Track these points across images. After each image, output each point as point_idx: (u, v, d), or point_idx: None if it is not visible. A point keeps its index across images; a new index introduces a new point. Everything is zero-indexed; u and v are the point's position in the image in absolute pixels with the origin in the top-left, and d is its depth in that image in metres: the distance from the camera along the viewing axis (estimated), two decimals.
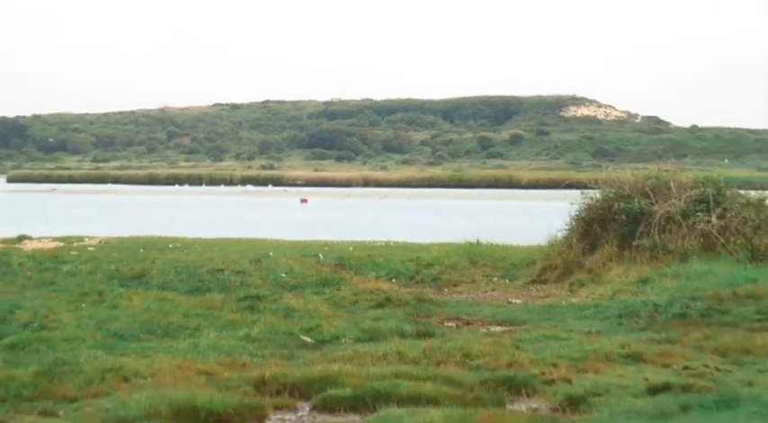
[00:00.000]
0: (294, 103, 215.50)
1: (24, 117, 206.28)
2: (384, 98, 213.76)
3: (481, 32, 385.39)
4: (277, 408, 12.26)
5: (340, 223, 47.80)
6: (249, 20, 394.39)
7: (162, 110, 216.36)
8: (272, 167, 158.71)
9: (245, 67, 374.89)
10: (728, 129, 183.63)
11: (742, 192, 26.99)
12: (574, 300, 22.43)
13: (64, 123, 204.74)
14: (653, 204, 25.86)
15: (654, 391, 12.64)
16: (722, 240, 24.92)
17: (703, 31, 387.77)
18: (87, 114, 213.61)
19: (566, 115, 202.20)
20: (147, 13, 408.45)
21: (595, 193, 27.27)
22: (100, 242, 33.25)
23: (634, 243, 25.33)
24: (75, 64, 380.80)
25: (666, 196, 26.13)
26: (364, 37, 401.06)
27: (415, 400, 12.08)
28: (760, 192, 27.20)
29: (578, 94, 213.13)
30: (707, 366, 14.09)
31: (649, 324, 18.16)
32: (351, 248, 31.11)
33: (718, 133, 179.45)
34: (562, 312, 20.21)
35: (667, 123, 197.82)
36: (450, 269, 27.19)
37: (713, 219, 25.40)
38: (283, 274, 25.07)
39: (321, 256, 29.03)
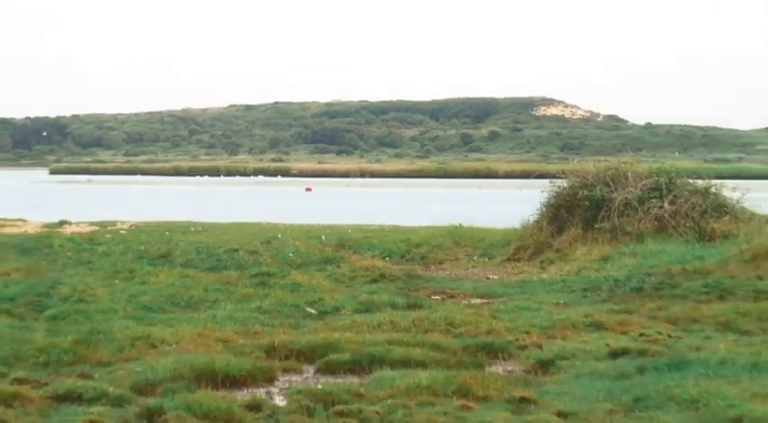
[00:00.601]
0: (300, 104, 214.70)
1: (64, 117, 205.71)
2: (378, 100, 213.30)
3: (463, 42, 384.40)
4: (285, 370, 12.30)
5: (340, 209, 47.71)
6: (260, 30, 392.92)
7: (184, 110, 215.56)
8: (280, 160, 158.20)
9: (256, 74, 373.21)
10: (679, 126, 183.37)
11: (690, 181, 27.03)
12: (544, 276, 22.46)
13: (99, 122, 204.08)
14: (613, 192, 25.91)
15: (614, 355, 12.72)
16: (673, 223, 24.99)
17: (657, 37, 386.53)
18: (119, 114, 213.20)
19: (537, 114, 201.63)
20: (172, 23, 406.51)
21: (563, 183, 27.30)
22: (131, 226, 33.17)
23: (596, 226, 25.39)
24: (108, 69, 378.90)
25: (624, 185, 26.17)
26: (360, 46, 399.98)
27: (406, 364, 12.13)
28: (706, 181, 27.22)
29: (547, 96, 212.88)
30: (660, 333, 14.15)
31: (610, 296, 18.20)
32: (349, 231, 31.08)
33: (669, 130, 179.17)
34: (534, 287, 20.23)
35: (625, 121, 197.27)
36: (436, 249, 27.18)
37: (665, 204, 25.47)
38: (290, 254, 25.06)
39: (323, 237, 28.99)
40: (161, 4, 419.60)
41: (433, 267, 24.90)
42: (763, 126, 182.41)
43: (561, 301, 17.63)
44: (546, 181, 28.50)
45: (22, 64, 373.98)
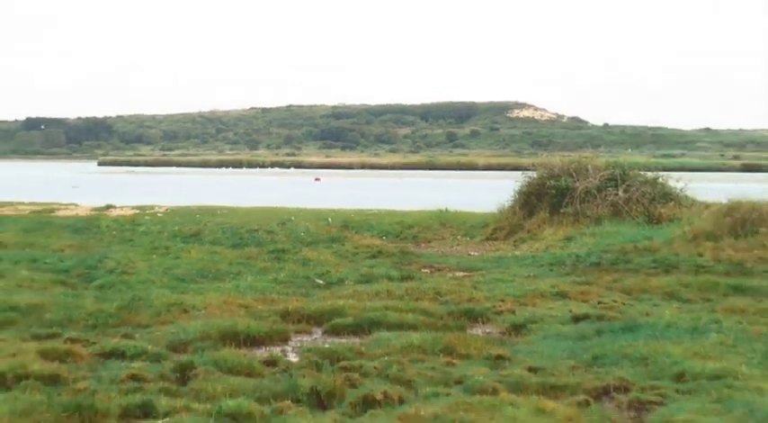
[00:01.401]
0: (309, 106, 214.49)
1: (110, 117, 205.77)
2: (376, 103, 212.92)
3: (448, 53, 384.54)
4: (297, 332, 12.30)
5: (344, 196, 47.67)
6: (275, 40, 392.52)
7: (212, 112, 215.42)
8: (293, 155, 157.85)
9: (272, 78, 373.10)
10: (631, 126, 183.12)
11: (641, 173, 27.08)
12: (517, 252, 22.48)
13: (140, 122, 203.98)
14: (575, 182, 25.93)
15: (576, 319, 12.72)
16: (626, 209, 25.05)
17: (613, 49, 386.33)
18: (157, 115, 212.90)
19: (511, 116, 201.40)
20: (203, 35, 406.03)
21: (533, 174, 27.35)
22: (166, 210, 33.21)
23: (561, 210, 25.44)
24: (146, 76, 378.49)
25: (585, 176, 26.20)
26: (361, 57, 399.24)
27: (400, 327, 12.14)
28: (654, 173, 27.29)
29: (520, 100, 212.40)
30: (615, 301, 14.16)
31: (573, 270, 18.22)
32: (352, 214, 31.11)
33: (623, 129, 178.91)
34: (508, 262, 20.24)
35: (586, 122, 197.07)
36: (425, 230, 27.20)
37: (620, 192, 25.51)
38: (302, 234, 25.08)
39: (330, 220, 29.02)
40: (187, 19, 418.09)
41: (422, 245, 24.90)
42: (703, 127, 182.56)
43: (531, 274, 17.64)
44: (518, 173, 28.57)
45: (75, 71, 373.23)
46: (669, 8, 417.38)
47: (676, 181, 26.77)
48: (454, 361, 10.28)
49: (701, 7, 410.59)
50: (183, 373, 9.52)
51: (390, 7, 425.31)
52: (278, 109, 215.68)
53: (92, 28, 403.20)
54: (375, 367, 9.76)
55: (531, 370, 9.85)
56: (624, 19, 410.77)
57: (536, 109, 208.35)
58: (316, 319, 12.90)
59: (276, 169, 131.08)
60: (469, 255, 22.41)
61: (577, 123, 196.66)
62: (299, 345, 11.54)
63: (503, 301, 14.29)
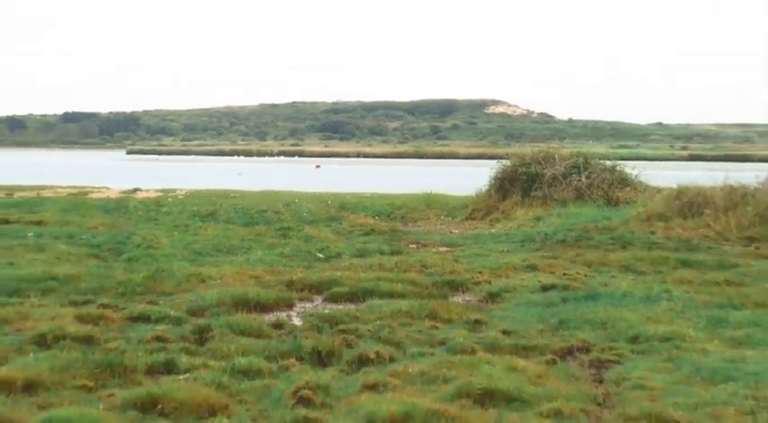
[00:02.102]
0: (312, 103, 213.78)
1: (137, 111, 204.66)
2: (370, 100, 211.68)
3: (432, 55, 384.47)
4: (300, 299, 12.28)
5: (341, 181, 47.59)
6: (281, 42, 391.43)
7: (227, 107, 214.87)
8: (297, 145, 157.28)
9: (279, 77, 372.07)
10: (592, 120, 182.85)
11: (601, 161, 27.15)
12: (492, 230, 22.48)
13: (163, 116, 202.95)
14: (544, 169, 25.95)
15: (544, 289, 12.72)
16: (588, 193, 25.07)
17: (577, 50, 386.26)
18: (178, 110, 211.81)
19: (487, 112, 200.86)
20: (221, 39, 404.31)
21: (507, 162, 27.35)
22: (186, 193, 33.13)
23: (531, 194, 25.46)
24: (169, 75, 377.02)
25: (552, 164, 26.21)
26: (356, 60, 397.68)
27: (390, 295, 12.11)
28: (612, 162, 27.39)
29: (495, 98, 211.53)
30: (578, 273, 14.17)
31: (541, 246, 18.22)
32: (348, 197, 31.07)
33: (585, 124, 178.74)
34: (485, 239, 20.24)
35: (553, 117, 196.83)
36: (412, 211, 27.19)
37: (583, 179, 25.53)
38: (304, 214, 25.04)
39: (329, 202, 28.98)
40: (205, 24, 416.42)
41: (410, 224, 24.89)
42: (655, 122, 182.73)
43: (505, 250, 17.64)
44: (494, 161, 28.58)
45: (107, 69, 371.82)
46: (625, 15, 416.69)
47: (632, 169, 26.82)
48: (438, 325, 10.28)
49: (655, 13, 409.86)
50: (201, 335, 9.52)
51: (383, 15, 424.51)
52: (284, 105, 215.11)
53: (124, 29, 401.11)
54: (368, 330, 9.76)
55: (505, 333, 9.87)
56: (587, 26, 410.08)
57: (509, 105, 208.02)
58: (317, 288, 12.87)
59: (281, 158, 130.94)
60: (451, 232, 22.41)
61: (545, 118, 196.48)
62: (302, 310, 11.53)
63: (480, 272, 14.28)
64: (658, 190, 24.10)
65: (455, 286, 13.21)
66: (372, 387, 7.42)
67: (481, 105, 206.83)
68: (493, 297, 12.41)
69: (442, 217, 26.33)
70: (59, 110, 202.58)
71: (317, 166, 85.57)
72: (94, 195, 32.28)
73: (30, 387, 7.38)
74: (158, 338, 9.22)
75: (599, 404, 7.29)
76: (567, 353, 9.06)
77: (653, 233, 19.18)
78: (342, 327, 9.91)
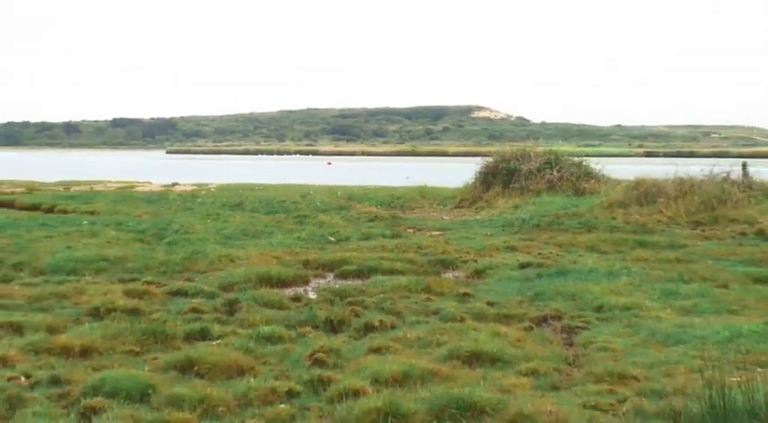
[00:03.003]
0: (325, 109, 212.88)
1: (175, 117, 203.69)
2: (373, 107, 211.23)
3: (425, 66, 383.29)
4: (315, 276, 12.27)
5: (349, 175, 47.52)
6: (298, 54, 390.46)
7: (251, 113, 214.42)
8: (311, 145, 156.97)
9: (295, 89, 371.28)
10: (562, 123, 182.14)
11: (570, 158, 27.08)
12: (478, 217, 22.43)
13: (197, 121, 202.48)
14: (521, 165, 25.84)
15: (522, 266, 12.71)
16: (559, 184, 24.99)
17: (547, 60, 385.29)
18: (210, 116, 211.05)
19: (473, 116, 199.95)
20: (244, 48, 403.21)
21: (490, 159, 27.26)
22: (217, 187, 33.10)
23: (511, 186, 25.35)
24: (203, 86, 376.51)
25: (528, 160, 26.10)
26: (361, 72, 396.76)
27: (391, 272, 12.08)
28: (579, 158, 27.33)
29: (479, 104, 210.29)
30: (551, 253, 14.16)
31: (519, 230, 18.19)
32: (355, 189, 31.02)
33: (556, 126, 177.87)
34: (471, 224, 20.21)
35: (529, 120, 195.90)
36: (410, 200, 27.14)
37: (554, 172, 25.44)
38: (318, 203, 25.00)
39: (339, 193, 28.93)
40: (230, 42, 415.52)
41: (407, 212, 24.81)
42: (616, 123, 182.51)
43: (489, 233, 17.62)
44: (479, 158, 28.53)
45: (149, 81, 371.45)
46: (587, 34, 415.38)
47: (596, 164, 26.71)
48: (432, 297, 10.28)
49: (614, 31, 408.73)
50: (231, 307, 9.52)
51: (386, 35, 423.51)
52: (299, 111, 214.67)
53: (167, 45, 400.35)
54: (373, 302, 9.76)
55: (489, 304, 9.86)
56: (557, 43, 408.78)
57: (491, 111, 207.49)
58: (329, 266, 12.87)
59: (298, 156, 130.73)
60: (443, 219, 22.37)
61: (522, 121, 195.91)
62: (316, 285, 11.52)
63: (467, 253, 14.27)
64: (618, 182, 24.05)
65: (446, 264, 13.20)
66: (377, 350, 7.43)
67: (467, 111, 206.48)
68: (478, 273, 12.40)
69: (435, 206, 26.28)
70: (109, 116, 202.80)
71: (329, 163, 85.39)
72: (139, 189, 32.27)
73: (85, 352, 7.40)
74: (194, 310, 9.23)
75: (569, 364, 7.29)
76: (542, 320, 9.06)
77: (614, 219, 19.16)
78: (350, 299, 9.90)
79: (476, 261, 13.35)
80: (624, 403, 5.82)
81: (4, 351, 7.26)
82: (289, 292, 10.81)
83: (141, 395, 6.08)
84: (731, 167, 21.60)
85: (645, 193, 20.80)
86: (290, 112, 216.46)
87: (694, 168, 21.99)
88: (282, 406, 5.92)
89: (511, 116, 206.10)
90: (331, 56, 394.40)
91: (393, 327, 8.52)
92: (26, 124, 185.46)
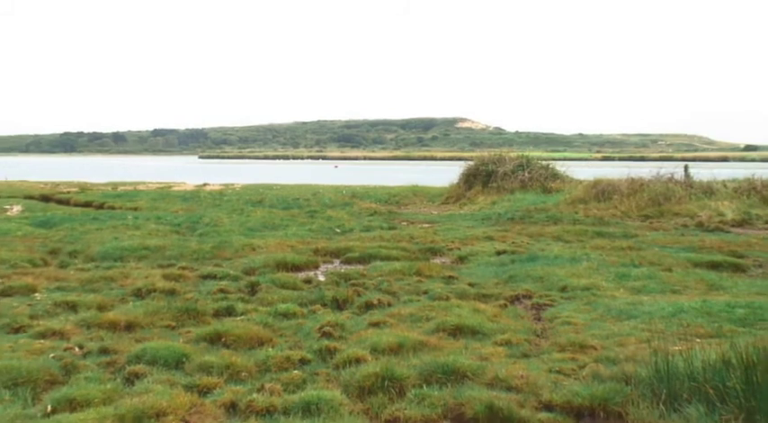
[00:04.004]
0: (332, 121, 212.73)
1: (206, 128, 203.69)
2: (373, 118, 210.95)
3: (418, 86, 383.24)
4: (324, 262, 12.23)
5: (353, 177, 47.49)
6: (309, 70, 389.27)
7: (270, 124, 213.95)
8: (321, 151, 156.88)
9: (307, 104, 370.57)
10: (533, 132, 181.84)
11: (539, 161, 27.05)
12: (461, 211, 22.42)
13: (224, 131, 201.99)
14: (497, 167, 25.84)
15: (498, 253, 12.69)
16: (530, 184, 24.97)
17: (520, 76, 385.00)
18: (235, 126, 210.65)
19: (457, 126, 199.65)
20: (264, 66, 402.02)
21: (471, 163, 27.25)
22: (242, 186, 33.05)
23: (489, 185, 25.35)
24: (229, 100, 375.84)
25: (504, 163, 26.08)
26: (364, 89, 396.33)
27: (388, 258, 12.06)
28: (547, 161, 27.31)
29: (463, 116, 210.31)
30: (523, 242, 14.15)
31: (496, 222, 18.21)
32: (358, 188, 30.97)
33: (527, 135, 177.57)
34: (456, 217, 20.21)
35: (504, 130, 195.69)
36: (404, 198, 27.11)
37: (526, 174, 25.42)
38: (326, 200, 24.97)
39: (344, 191, 28.90)
40: (257, 61, 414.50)
41: (402, 207, 24.79)
42: (578, 132, 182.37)
43: (470, 225, 17.62)
44: (462, 161, 28.50)
45: (183, 97, 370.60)
46: (557, 49, 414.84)
47: (561, 167, 26.71)
48: (422, 279, 10.25)
49: (582, 44, 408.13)
50: (253, 288, 9.50)
51: (383, 53, 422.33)
52: (311, 122, 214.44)
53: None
54: (373, 283, 9.74)
55: (470, 285, 9.84)
56: (530, 62, 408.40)
57: (473, 122, 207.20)
58: (335, 253, 12.85)
59: (309, 160, 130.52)
60: (432, 213, 22.36)
61: (499, 131, 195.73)
62: (325, 270, 11.48)
63: (452, 242, 14.26)
64: (580, 182, 24.06)
65: (434, 252, 13.19)
66: (376, 324, 7.41)
67: (453, 122, 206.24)
68: (461, 259, 12.40)
69: (425, 202, 26.27)
70: (150, 127, 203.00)
71: (336, 166, 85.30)
72: (175, 188, 32.19)
73: (130, 326, 7.38)
74: (222, 291, 9.21)
75: (538, 335, 7.29)
76: (515, 299, 9.05)
77: (576, 213, 19.16)
78: (353, 281, 9.88)
79: (459, 249, 13.34)
80: (584, 369, 5.82)
81: (60, 325, 7.25)
82: (301, 275, 10.79)
83: (177, 363, 6.07)
84: (675, 169, 21.63)
85: (602, 191, 20.81)
86: (303, 123, 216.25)
87: (644, 170, 22.00)
88: (296, 372, 5.91)
89: (489, 126, 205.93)
90: (338, 77, 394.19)
91: (389, 304, 8.51)
92: (80, 134, 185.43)
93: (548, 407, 5.12)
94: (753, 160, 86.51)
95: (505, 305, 8.58)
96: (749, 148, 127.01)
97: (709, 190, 20.12)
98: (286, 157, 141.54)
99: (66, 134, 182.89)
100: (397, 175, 52.00)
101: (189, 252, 12.56)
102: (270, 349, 6.50)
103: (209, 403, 5.13)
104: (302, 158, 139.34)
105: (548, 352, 6.50)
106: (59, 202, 26.44)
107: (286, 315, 7.92)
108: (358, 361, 6.00)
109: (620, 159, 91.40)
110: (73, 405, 4.95)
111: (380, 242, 14.04)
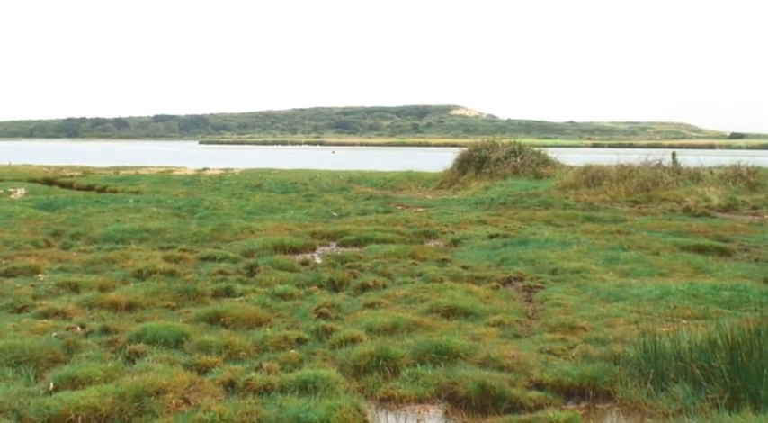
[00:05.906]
0: (329, 108, 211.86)
1: (206, 114, 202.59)
2: (369, 105, 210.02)
3: (414, 74, 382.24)
4: (321, 245, 12.21)
5: (350, 162, 47.36)
6: (308, 57, 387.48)
7: (269, 111, 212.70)
8: (318, 137, 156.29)
9: (305, 90, 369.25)
10: (525, 120, 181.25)
11: (531, 148, 27.01)
12: (455, 196, 22.37)
13: (224, 117, 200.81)
14: (490, 154, 25.77)
15: (491, 237, 12.67)
16: (522, 170, 24.93)
17: (513, 65, 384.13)
18: (234, 113, 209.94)
19: (451, 114, 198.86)
20: (264, 52, 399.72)
21: (465, 149, 27.19)
22: (241, 171, 32.93)
23: (482, 171, 25.30)
24: (229, 87, 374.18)
25: (496, 150, 26.00)
26: (361, 77, 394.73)
27: (383, 241, 12.01)
28: (539, 148, 27.29)
29: (457, 104, 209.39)
30: (515, 226, 14.12)
31: (489, 207, 18.17)
32: (355, 173, 30.87)
33: (519, 122, 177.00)
34: (450, 202, 20.15)
35: (497, 117, 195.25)
36: (399, 183, 27.05)
37: (518, 160, 25.36)
38: (323, 185, 24.90)
39: (341, 177, 28.82)
40: (257, 49, 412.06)
41: (397, 192, 24.72)
42: (569, 120, 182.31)
43: (463, 210, 17.59)
44: (456, 148, 28.43)
45: (185, 82, 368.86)
46: (549, 38, 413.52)
47: (552, 153, 26.68)
48: (416, 262, 10.22)
49: (574, 34, 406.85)
50: (251, 270, 9.46)
51: (379, 42, 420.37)
52: (309, 109, 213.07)
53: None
54: (368, 266, 9.70)
55: (464, 267, 9.82)
56: (523, 51, 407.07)
57: (467, 109, 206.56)
58: (332, 236, 12.81)
59: (306, 146, 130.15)
60: (426, 198, 22.30)
61: (492, 118, 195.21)
62: (322, 252, 11.46)
63: (446, 225, 14.23)
64: (570, 168, 24.04)
65: (429, 235, 13.16)
66: (371, 305, 7.40)
67: (447, 109, 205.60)
68: (455, 243, 12.38)
69: (420, 187, 26.21)
70: (152, 113, 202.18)
71: (333, 152, 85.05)
72: (176, 173, 32.05)
73: (130, 306, 7.35)
74: (221, 272, 9.17)
75: (529, 317, 7.28)
76: (507, 281, 9.04)
77: (567, 198, 19.15)
78: (349, 263, 9.84)
79: (453, 232, 13.32)
80: (574, 349, 5.82)
81: (63, 305, 7.22)
82: (299, 257, 10.76)
83: (176, 342, 6.04)
84: (663, 156, 21.61)
85: (592, 177, 20.79)
86: (301, 109, 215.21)
87: (633, 157, 21.96)
88: (293, 351, 5.89)
89: (483, 114, 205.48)
90: (335, 64, 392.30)
91: (384, 286, 8.49)
92: (83, 120, 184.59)
93: (538, 386, 5.13)
94: (739, 148, 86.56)
95: (498, 287, 8.56)
96: (735, 135, 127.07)
97: (696, 176, 20.13)
98: (284, 143, 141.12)
99: (69, 120, 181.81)
100: (392, 160, 51.90)
101: (189, 235, 12.51)
102: (267, 329, 6.48)
103: (208, 381, 5.11)
104: (300, 144, 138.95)
105: (538, 332, 6.50)
106: (62, 185, 26.32)
107: (283, 296, 7.90)
108: (353, 341, 5.99)
109: (610, 146, 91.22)
110: (75, 383, 4.93)
111: (376, 226, 13.99)
